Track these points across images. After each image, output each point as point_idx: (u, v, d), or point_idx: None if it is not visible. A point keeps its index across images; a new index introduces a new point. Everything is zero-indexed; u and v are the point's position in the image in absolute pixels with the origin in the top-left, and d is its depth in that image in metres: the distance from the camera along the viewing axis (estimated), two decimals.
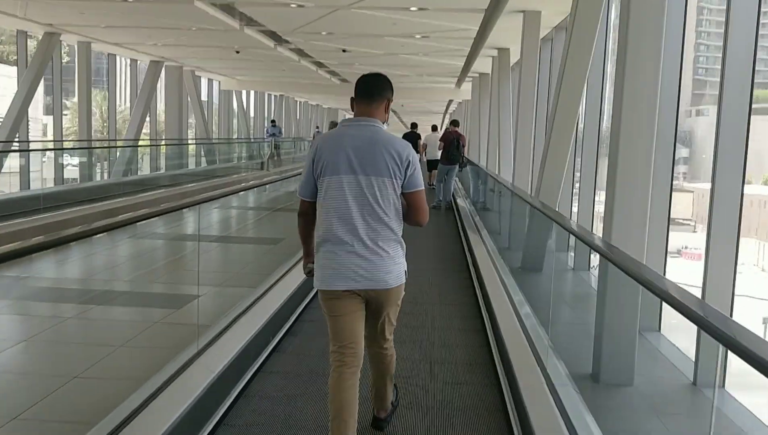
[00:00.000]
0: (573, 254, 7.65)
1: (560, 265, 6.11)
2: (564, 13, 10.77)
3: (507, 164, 13.88)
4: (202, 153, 23.90)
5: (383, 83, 3.25)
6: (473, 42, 14.58)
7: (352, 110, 3.25)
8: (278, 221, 10.55)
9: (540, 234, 6.52)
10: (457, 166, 14.37)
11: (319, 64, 21.64)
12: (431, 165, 17.05)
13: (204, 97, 30.19)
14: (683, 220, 16.92)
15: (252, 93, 36.04)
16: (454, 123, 15.41)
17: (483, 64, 17.96)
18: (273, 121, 27.12)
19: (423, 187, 3.17)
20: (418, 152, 18.52)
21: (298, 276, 5.86)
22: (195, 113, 26.18)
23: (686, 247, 15.46)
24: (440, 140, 14.47)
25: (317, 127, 32.35)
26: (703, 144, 16.70)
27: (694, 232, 16.72)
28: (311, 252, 3.22)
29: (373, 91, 3.21)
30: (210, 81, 29.67)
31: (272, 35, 15.35)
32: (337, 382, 3.08)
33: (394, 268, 3.10)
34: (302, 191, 3.17)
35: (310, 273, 3.26)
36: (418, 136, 17.96)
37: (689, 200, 17.48)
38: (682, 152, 16.84)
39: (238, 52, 17.87)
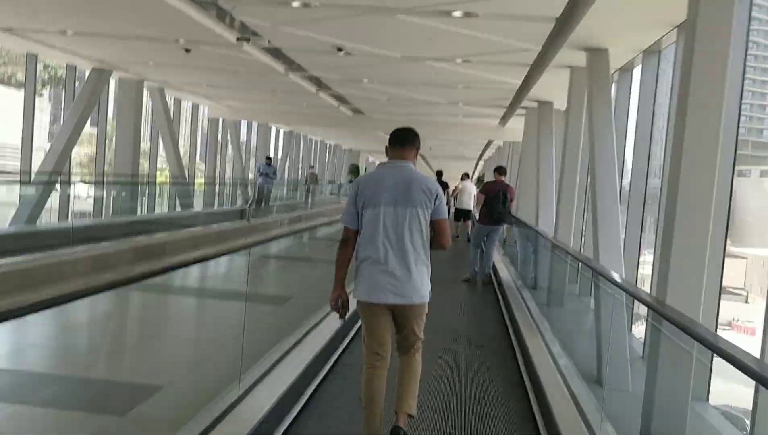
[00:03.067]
0: None
1: None
2: None
3: (608, 243, 7.77)
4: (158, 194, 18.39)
5: (413, 135, 3.92)
6: (547, 39, 8.62)
7: (387, 156, 3.90)
8: None
9: None
10: (503, 228, 11.45)
11: (316, 82, 15.77)
12: (460, 214, 16.52)
13: (186, 125, 24.68)
14: (734, 288, 15.51)
15: (254, 125, 30.48)
16: (500, 170, 11.27)
17: (551, 84, 12.05)
18: (268, 159, 21.25)
19: (447, 217, 3.87)
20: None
21: None
22: (165, 144, 20.49)
23: (737, 320, 14.17)
24: (481, 192, 11.05)
25: (312, 166, 26.38)
26: (745, 206, 16.30)
27: (747, 302, 15.66)
28: (343, 284, 3.84)
29: (405, 140, 3.88)
30: (194, 106, 24.10)
31: (236, 26, 9.58)
32: (369, 378, 3.76)
33: (420, 287, 3.74)
34: (347, 220, 3.80)
35: (336, 306, 3.84)
36: (446, 185, 16.89)
37: (741, 267, 16.54)
38: None
39: (188, 50, 12.09)
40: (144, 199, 17.68)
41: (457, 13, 8.15)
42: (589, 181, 8.55)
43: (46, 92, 34.07)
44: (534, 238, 10.66)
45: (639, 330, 7.70)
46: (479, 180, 49.90)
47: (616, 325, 5.23)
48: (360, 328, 4.05)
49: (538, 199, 14.05)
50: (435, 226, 3.76)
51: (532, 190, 15.55)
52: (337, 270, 3.81)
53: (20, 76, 17.35)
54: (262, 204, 19.80)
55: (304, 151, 38.27)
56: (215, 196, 20.42)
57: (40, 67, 17.65)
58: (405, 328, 3.80)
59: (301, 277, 8.78)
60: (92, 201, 16.39)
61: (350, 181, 47.70)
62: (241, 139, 30.88)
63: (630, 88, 10.64)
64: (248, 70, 14.61)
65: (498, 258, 12.42)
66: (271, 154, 36.55)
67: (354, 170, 49.39)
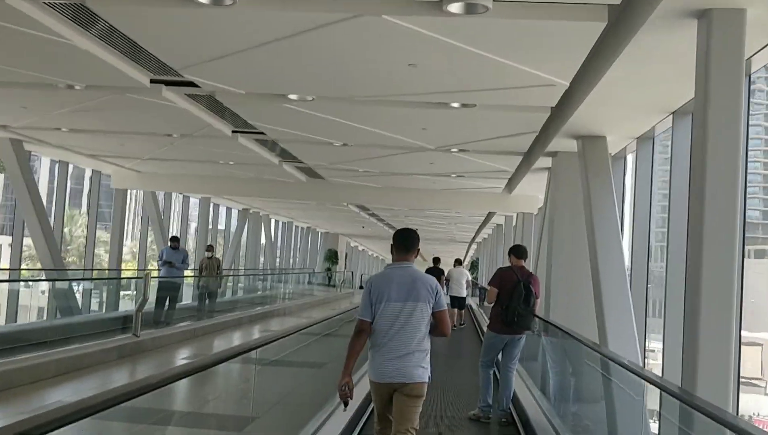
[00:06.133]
0: None
1: None
2: None
3: None
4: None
5: (415, 239, 4.57)
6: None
7: (392, 254, 4.56)
8: None
9: None
10: (524, 338, 7.52)
11: (217, 110, 9.73)
12: (455, 302, 16.39)
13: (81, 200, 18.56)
14: (751, 378, 14.01)
15: (193, 201, 24.41)
16: (519, 252, 7.46)
17: (620, 94, 6.21)
18: (175, 241, 14.75)
19: (446, 308, 4.52)
20: None
21: None
22: (28, 222, 14.27)
23: (758, 414, 12.65)
24: (490, 284, 7.47)
25: (209, 247, 18.11)
26: (753, 288, 14.91)
27: (767, 394, 14.23)
28: (351, 371, 4.33)
29: (409, 246, 4.54)
30: (96, 173, 18.05)
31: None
32: None
33: (419, 369, 4.33)
34: (364, 313, 4.40)
35: (343, 392, 4.27)
36: (441, 272, 16.91)
37: (755, 354, 14.93)
38: None
39: None
40: None
41: None
42: None
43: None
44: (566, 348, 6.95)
45: None
46: (472, 265, 43.70)
47: None
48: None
49: (602, 300, 7.89)
50: (436, 316, 4.42)
51: (570, 280, 9.89)
52: (348, 357, 4.31)
53: None
54: (165, 307, 13.37)
55: (266, 237, 32.21)
56: (97, 295, 13.96)
57: None
58: (400, 407, 4.32)
59: None
60: None
61: (328, 269, 41.22)
62: (173, 218, 24.83)
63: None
64: (123, 103, 8.60)
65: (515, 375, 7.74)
66: (222, 239, 30.46)
67: (331, 256, 42.67)
